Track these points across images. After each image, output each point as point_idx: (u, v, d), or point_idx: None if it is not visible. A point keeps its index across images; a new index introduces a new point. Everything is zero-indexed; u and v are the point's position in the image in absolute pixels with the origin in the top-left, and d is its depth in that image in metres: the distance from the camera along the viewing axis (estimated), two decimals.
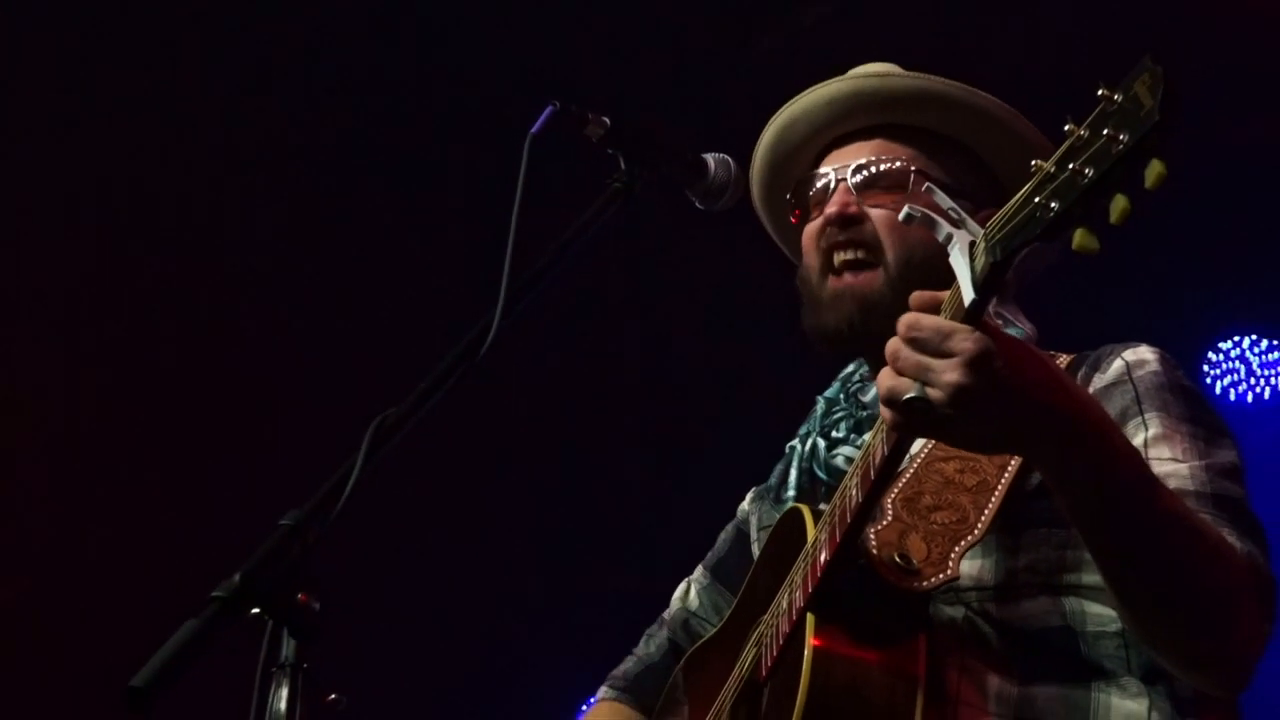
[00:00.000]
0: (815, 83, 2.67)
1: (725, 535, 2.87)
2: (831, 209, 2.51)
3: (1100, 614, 2.22)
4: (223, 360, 5.70)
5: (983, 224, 2.00)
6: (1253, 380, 6.02)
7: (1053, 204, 1.77)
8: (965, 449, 2.20)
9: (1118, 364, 2.37)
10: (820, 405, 2.63)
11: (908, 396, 1.86)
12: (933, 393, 1.84)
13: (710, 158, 2.47)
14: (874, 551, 2.19)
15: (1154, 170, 1.71)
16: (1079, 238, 1.76)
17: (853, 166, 2.55)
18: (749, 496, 2.84)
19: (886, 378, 1.90)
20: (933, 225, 1.91)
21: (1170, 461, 2.21)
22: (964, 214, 1.91)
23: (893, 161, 2.54)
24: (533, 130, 2.27)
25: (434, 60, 4.99)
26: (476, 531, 6.25)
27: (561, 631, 6.54)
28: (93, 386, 5.70)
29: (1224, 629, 2.11)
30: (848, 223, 2.50)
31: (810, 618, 2.13)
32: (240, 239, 5.50)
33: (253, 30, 4.96)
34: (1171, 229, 5.29)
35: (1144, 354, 2.38)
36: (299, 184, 5.32)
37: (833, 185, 2.55)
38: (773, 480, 2.70)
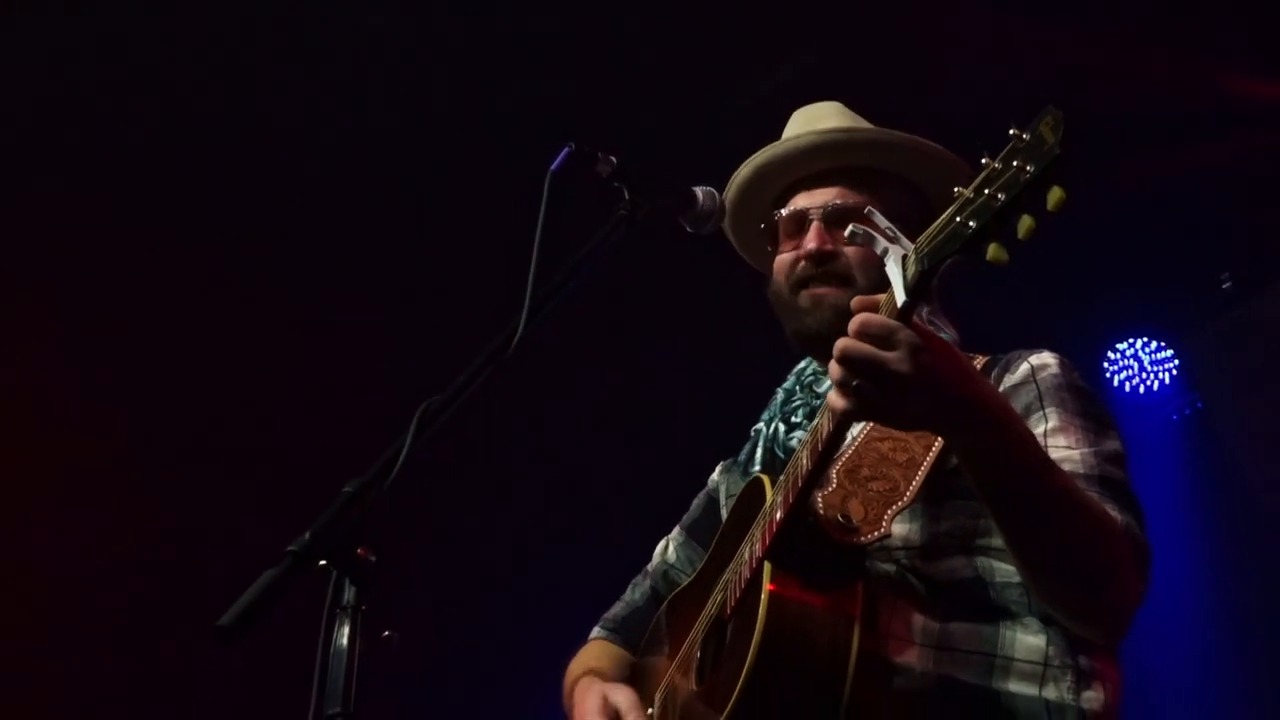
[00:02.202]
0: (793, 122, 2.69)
1: (698, 501, 2.86)
2: (810, 245, 2.53)
3: (1007, 570, 2.22)
4: (298, 360, 5.69)
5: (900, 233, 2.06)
6: (1144, 375, 6.05)
7: (971, 223, 1.80)
8: (895, 427, 2.22)
9: (1024, 367, 2.38)
10: (780, 396, 2.63)
11: (855, 383, 1.90)
12: (876, 380, 1.89)
13: (699, 190, 2.48)
14: (821, 512, 2.20)
15: (1054, 195, 1.75)
16: (992, 251, 1.79)
17: (825, 207, 2.56)
18: (718, 469, 2.84)
19: (837, 369, 1.92)
20: (872, 241, 1.96)
21: (1065, 449, 2.23)
22: (898, 233, 1.94)
23: (855, 202, 2.54)
24: (552, 168, 2.28)
25: (468, 104, 4.96)
26: (497, 505, 6.25)
27: (565, 577, 6.53)
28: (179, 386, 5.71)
29: (1104, 588, 2.14)
30: (824, 259, 2.51)
31: (767, 565, 2.13)
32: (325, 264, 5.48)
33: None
34: (1078, 249, 5.33)
35: (1046, 359, 2.40)
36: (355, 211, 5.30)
37: (809, 223, 2.56)
38: (741, 457, 2.71)
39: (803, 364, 2.65)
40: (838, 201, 2.56)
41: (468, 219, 5.16)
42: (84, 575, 6.05)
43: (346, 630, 1.79)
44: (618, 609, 2.88)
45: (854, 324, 1.92)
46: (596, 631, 2.87)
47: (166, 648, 5.72)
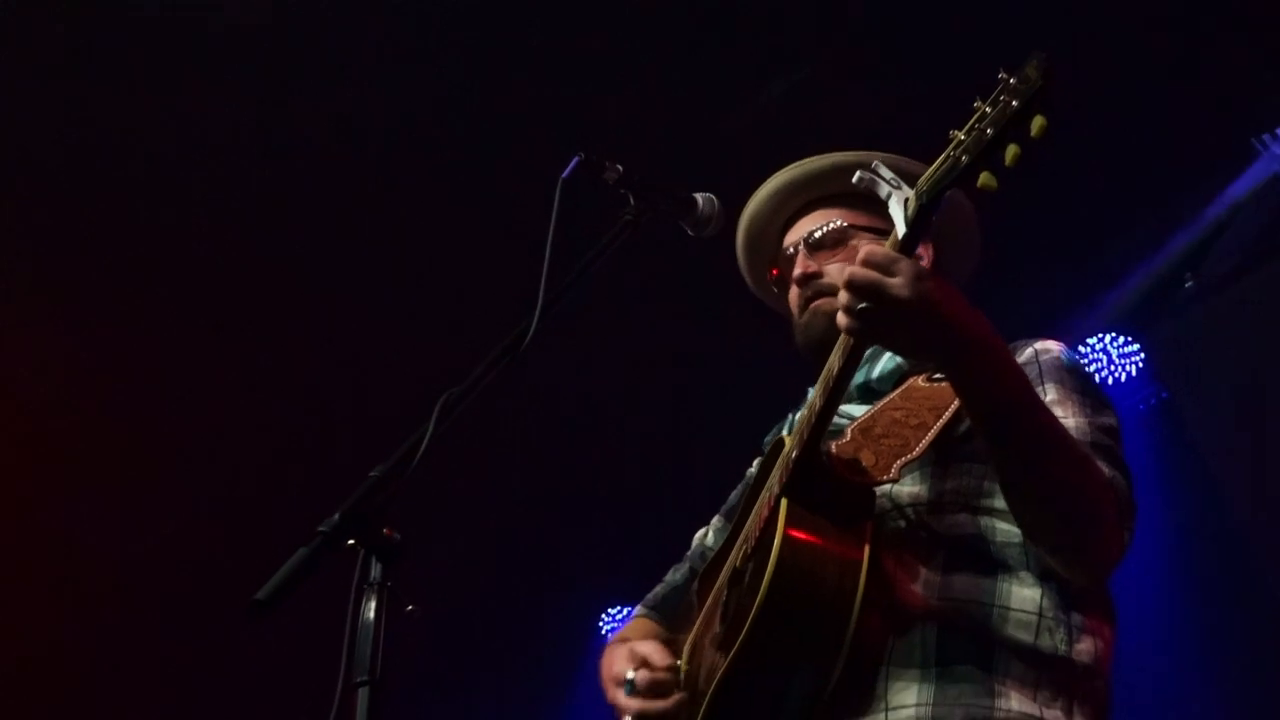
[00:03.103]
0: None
1: (737, 490, 2.84)
2: (797, 272, 2.56)
3: (1007, 530, 2.20)
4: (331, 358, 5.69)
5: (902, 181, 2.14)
6: (1113, 367, 6.05)
7: (963, 157, 1.86)
8: (897, 351, 2.24)
9: (1029, 351, 2.38)
10: (810, 393, 2.64)
11: (860, 306, 1.93)
12: (879, 301, 1.91)
13: (699, 196, 2.48)
14: (834, 452, 2.21)
15: (1037, 123, 1.82)
16: (983, 178, 1.85)
17: (804, 238, 2.59)
18: (756, 462, 2.79)
19: (844, 295, 1.95)
20: (876, 185, 1.99)
21: (1062, 419, 2.20)
22: (901, 181, 1.98)
23: (830, 224, 2.58)
24: (563, 175, 2.29)
25: (482, 113, 4.97)
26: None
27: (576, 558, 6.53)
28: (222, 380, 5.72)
29: (1090, 527, 2.11)
30: (809, 279, 2.54)
31: (783, 501, 2.12)
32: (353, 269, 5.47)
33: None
34: (1052, 252, 5.35)
35: (1049, 344, 2.41)
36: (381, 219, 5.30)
37: (794, 254, 2.59)
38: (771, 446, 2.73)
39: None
40: (814, 229, 2.59)
41: (485, 224, 5.15)
42: (130, 553, 6.08)
43: (373, 604, 1.80)
44: (659, 589, 2.86)
45: (860, 254, 1.95)
46: (638, 610, 2.84)
47: (213, 622, 5.73)
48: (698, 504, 2.91)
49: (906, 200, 1.94)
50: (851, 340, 2.07)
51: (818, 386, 2.17)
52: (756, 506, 2.30)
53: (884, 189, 1.97)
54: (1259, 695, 5.41)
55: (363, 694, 1.74)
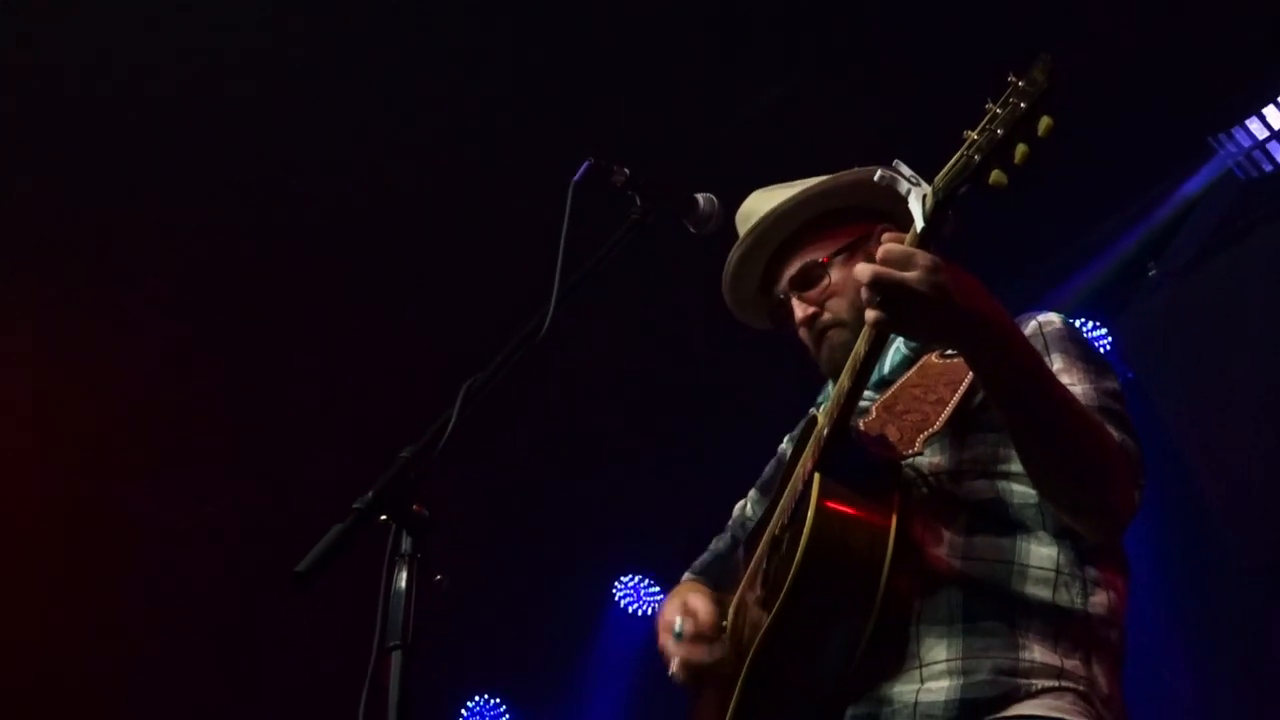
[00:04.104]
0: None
1: (769, 467, 2.84)
2: (798, 317, 2.53)
3: (1024, 492, 2.21)
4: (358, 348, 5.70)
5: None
6: None
7: (976, 156, 1.86)
8: (919, 339, 2.25)
9: (1032, 324, 2.37)
10: (830, 387, 2.63)
11: (880, 299, 1.93)
12: (900, 294, 1.91)
13: (700, 196, 2.48)
14: (862, 429, 2.22)
15: (1044, 123, 1.81)
16: (994, 176, 1.84)
17: (790, 284, 2.56)
18: (786, 439, 2.81)
19: (867, 291, 1.94)
20: (896, 183, 1.97)
21: (1069, 386, 2.20)
22: (920, 179, 1.96)
23: (809, 262, 2.55)
24: (575, 179, 2.29)
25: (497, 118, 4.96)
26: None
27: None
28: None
29: (1105, 485, 2.12)
30: (811, 322, 2.52)
31: (816, 476, 2.13)
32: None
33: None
34: (1025, 243, 5.34)
35: (1051, 317, 2.40)
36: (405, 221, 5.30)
37: (790, 302, 2.56)
38: (798, 432, 2.69)
39: None
40: (796, 268, 2.56)
41: (503, 225, 5.14)
42: (185, 530, 6.10)
43: (404, 575, 1.81)
44: (705, 557, 2.87)
45: (880, 252, 1.94)
46: (686, 576, 2.85)
47: (261, 592, 5.75)
48: (705, 481, 2.91)
49: (925, 196, 1.92)
50: (864, 348, 2.08)
51: (846, 370, 2.17)
52: (792, 480, 2.30)
53: (903, 185, 1.95)
54: (1223, 660, 5.43)
55: (396, 657, 1.75)
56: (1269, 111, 5.29)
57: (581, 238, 2.23)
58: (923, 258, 1.91)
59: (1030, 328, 2.35)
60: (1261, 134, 5.35)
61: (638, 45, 4.69)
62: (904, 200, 1.94)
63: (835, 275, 2.51)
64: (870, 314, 1.96)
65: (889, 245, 1.93)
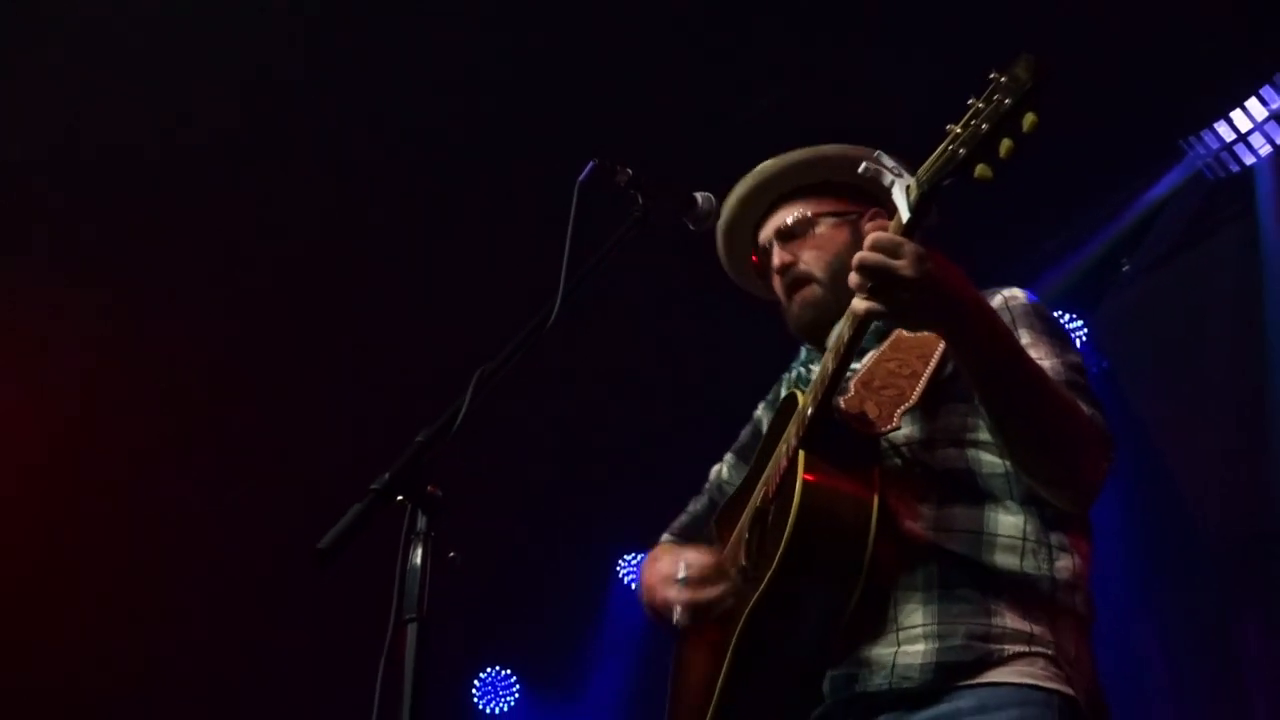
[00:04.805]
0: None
1: (745, 431, 2.81)
2: (775, 263, 2.54)
3: (992, 461, 2.20)
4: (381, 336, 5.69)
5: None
6: None
7: (960, 150, 1.82)
8: (906, 325, 2.19)
9: (999, 299, 2.35)
10: (802, 353, 2.62)
11: (871, 285, 1.90)
12: (888, 282, 1.89)
13: (698, 195, 2.47)
14: (844, 407, 2.20)
15: (1029, 119, 1.76)
16: (979, 170, 1.80)
17: (776, 230, 2.57)
18: (760, 406, 2.79)
19: (856, 277, 1.92)
20: (880, 174, 1.95)
21: (1038, 360, 2.19)
22: (903, 170, 1.93)
23: (798, 215, 2.55)
24: (580, 179, 2.28)
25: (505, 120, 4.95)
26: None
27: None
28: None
29: (1076, 458, 2.12)
30: (786, 269, 2.52)
31: (801, 453, 2.12)
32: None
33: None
34: (1005, 240, 5.33)
35: (1016, 292, 2.38)
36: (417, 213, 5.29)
37: (771, 248, 2.57)
38: (772, 396, 2.70)
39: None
40: (786, 221, 2.56)
41: (512, 223, 5.14)
42: (213, 512, 6.11)
43: (419, 552, 1.80)
44: (682, 519, 2.84)
45: (869, 240, 1.91)
46: (664, 538, 2.83)
47: (284, 569, 5.76)
48: (704, 465, 2.89)
49: (909, 187, 1.90)
50: (849, 333, 2.06)
51: (829, 352, 2.15)
52: (775, 456, 2.28)
53: (887, 177, 1.93)
54: (1192, 633, 5.44)
55: (412, 629, 1.76)
56: (1236, 115, 5.29)
57: (586, 234, 2.23)
58: (909, 247, 1.89)
59: (996, 302, 2.33)
60: (1229, 137, 5.35)
61: (641, 51, 4.70)
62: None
63: (819, 232, 2.51)
64: (860, 304, 1.95)
65: (877, 235, 1.92)
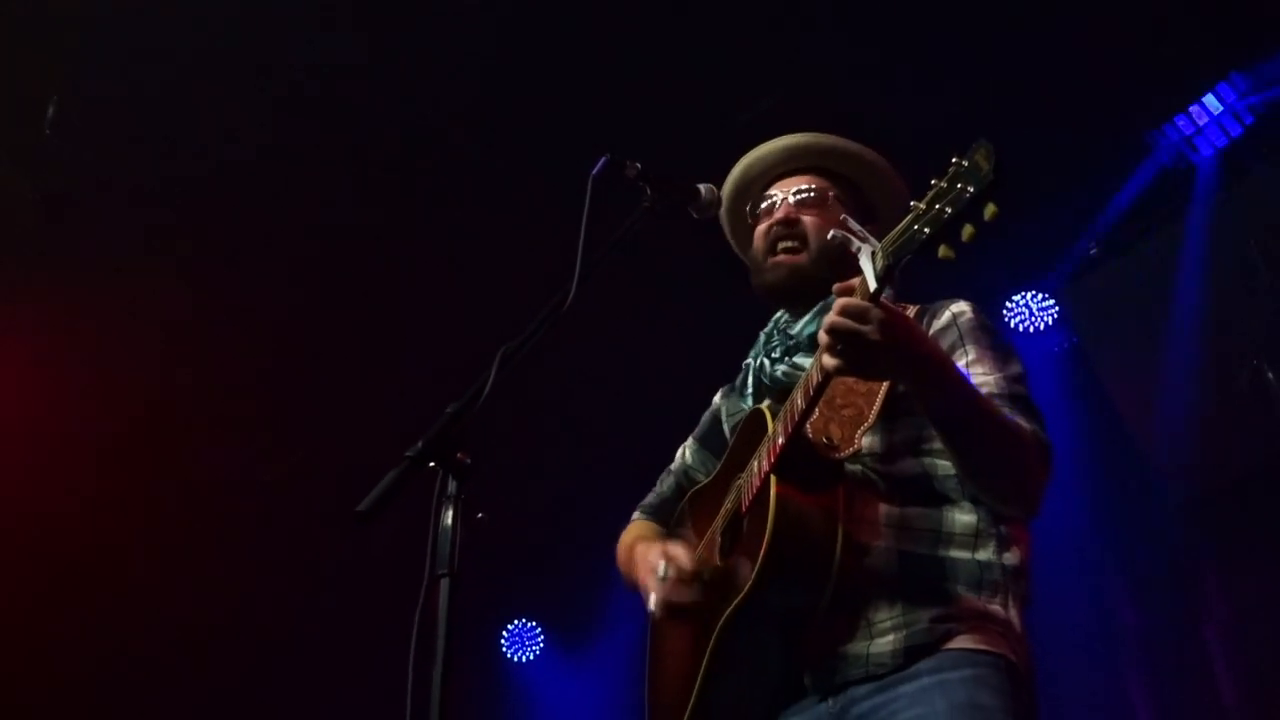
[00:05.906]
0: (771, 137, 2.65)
1: (705, 417, 2.79)
2: (779, 214, 2.52)
3: (945, 465, 2.22)
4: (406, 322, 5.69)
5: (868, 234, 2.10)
6: (1033, 319, 6.03)
7: (925, 229, 1.82)
8: (867, 378, 2.21)
9: (947, 315, 2.34)
10: (761, 338, 2.58)
11: (840, 348, 1.93)
12: (856, 345, 1.92)
13: (701, 186, 2.46)
14: (811, 436, 2.21)
15: (990, 210, 1.78)
16: (942, 251, 1.82)
17: (793, 190, 2.55)
18: (719, 393, 2.77)
19: (825, 338, 1.95)
20: (849, 241, 1.95)
21: (983, 374, 2.22)
22: (869, 235, 1.94)
23: (815, 186, 2.54)
24: (593, 173, 2.27)
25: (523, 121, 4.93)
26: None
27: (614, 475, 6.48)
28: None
29: (1023, 481, 2.16)
30: (790, 224, 2.50)
31: (773, 478, 2.13)
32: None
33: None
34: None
35: (963, 306, 2.36)
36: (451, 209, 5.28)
37: (779, 202, 2.55)
38: (737, 384, 2.65)
39: (778, 314, 2.59)
40: (803, 187, 2.54)
41: (534, 212, 5.12)
42: (262, 480, 6.13)
43: (450, 513, 1.81)
44: (651, 498, 2.83)
45: (837, 305, 1.94)
46: (637, 515, 2.82)
47: (329, 528, 5.79)
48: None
49: (875, 254, 1.90)
50: (818, 378, 2.06)
51: (799, 389, 2.15)
52: (747, 470, 2.27)
53: (854, 244, 1.94)
54: (1159, 586, 5.45)
55: (444, 584, 1.76)
56: (1194, 110, 5.27)
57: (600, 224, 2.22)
58: (875, 313, 1.92)
59: (945, 318, 2.33)
60: (1188, 130, 5.33)
61: (650, 51, 4.67)
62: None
63: (829, 208, 2.48)
64: (830, 361, 1.97)
65: (845, 301, 1.94)
